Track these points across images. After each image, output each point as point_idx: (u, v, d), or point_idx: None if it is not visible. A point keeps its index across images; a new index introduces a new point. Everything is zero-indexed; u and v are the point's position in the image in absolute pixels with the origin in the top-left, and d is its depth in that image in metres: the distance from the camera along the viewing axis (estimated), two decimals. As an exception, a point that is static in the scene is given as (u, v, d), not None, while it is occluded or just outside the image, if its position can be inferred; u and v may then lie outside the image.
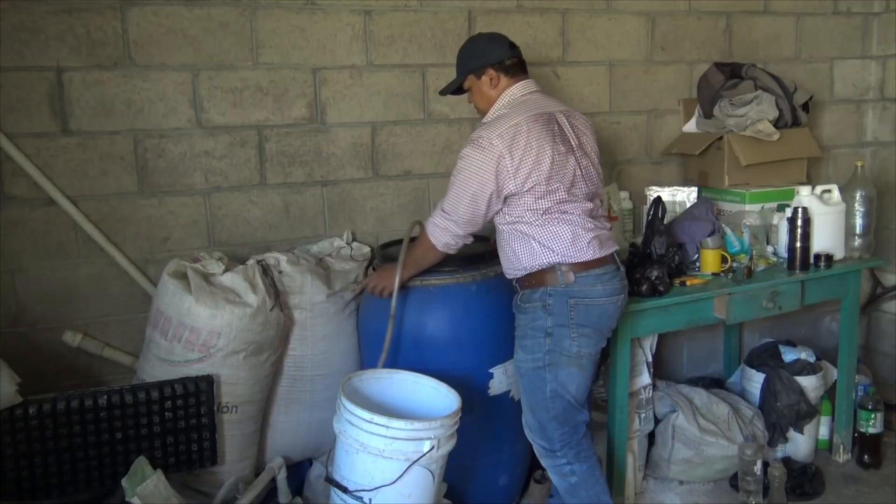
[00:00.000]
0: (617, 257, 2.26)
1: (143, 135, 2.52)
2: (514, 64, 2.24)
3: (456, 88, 2.33)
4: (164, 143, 2.55)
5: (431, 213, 2.25)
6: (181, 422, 2.24)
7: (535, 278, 2.17)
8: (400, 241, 2.72)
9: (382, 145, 2.82)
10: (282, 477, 2.47)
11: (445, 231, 2.20)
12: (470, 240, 2.25)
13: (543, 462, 2.31)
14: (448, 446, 2.03)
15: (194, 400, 2.24)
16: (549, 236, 2.14)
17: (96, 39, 2.42)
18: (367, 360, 2.58)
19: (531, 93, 2.23)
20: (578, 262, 2.14)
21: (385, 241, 2.78)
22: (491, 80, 2.22)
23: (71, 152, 2.45)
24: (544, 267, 2.15)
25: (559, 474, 2.28)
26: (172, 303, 2.27)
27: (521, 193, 2.11)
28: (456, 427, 2.06)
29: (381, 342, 2.49)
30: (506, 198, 2.13)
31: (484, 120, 2.24)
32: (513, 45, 2.26)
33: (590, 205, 2.21)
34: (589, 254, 2.15)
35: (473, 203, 2.12)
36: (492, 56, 2.22)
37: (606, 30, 3.09)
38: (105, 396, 2.15)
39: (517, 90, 2.22)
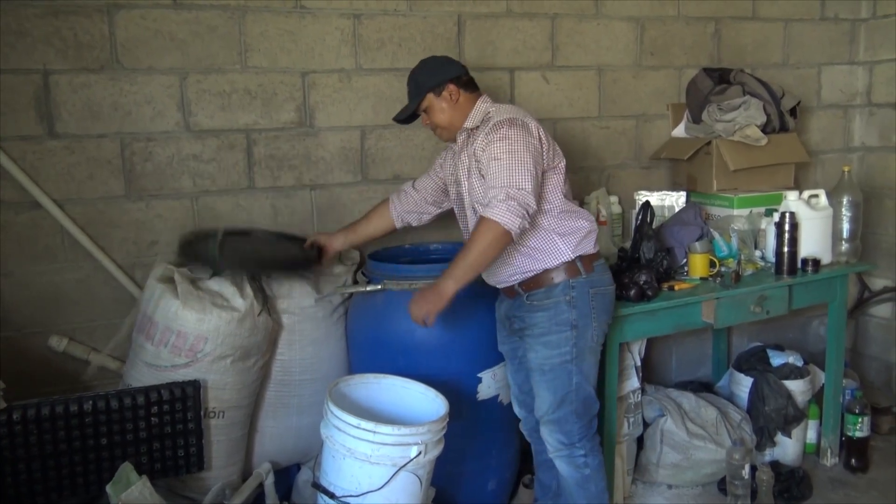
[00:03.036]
0: None
1: (130, 138, 2.50)
2: (470, 80, 2.28)
3: (411, 114, 2.30)
4: (152, 147, 2.53)
5: (485, 205, 2.03)
6: (167, 427, 2.22)
7: (553, 274, 2.19)
8: (391, 248, 2.72)
9: (371, 149, 2.81)
10: (269, 482, 2.46)
11: (520, 212, 1.99)
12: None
13: (557, 454, 2.27)
14: (436, 451, 2.03)
15: (181, 405, 2.22)
16: (571, 230, 2.20)
17: (83, 42, 2.41)
18: (355, 364, 2.57)
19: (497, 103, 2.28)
20: (593, 254, 2.24)
21: (374, 247, 2.78)
22: (451, 95, 2.22)
23: (57, 156, 2.43)
24: (567, 260, 2.19)
25: (573, 465, 2.27)
26: (159, 307, 2.25)
27: (549, 172, 2.16)
28: (443, 432, 2.06)
29: (370, 347, 2.49)
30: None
31: (473, 123, 2.22)
32: (462, 64, 2.31)
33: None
34: (598, 246, 2.28)
35: (535, 173, 2.06)
36: (450, 71, 2.24)
37: (595, 35, 3.10)
38: (91, 402, 2.13)
39: (488, 101, 2.26)
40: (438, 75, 2.23)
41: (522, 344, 2.29)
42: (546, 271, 2.19)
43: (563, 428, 2.25)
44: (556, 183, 2.18)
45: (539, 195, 2.09)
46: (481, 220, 2.02)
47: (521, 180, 2.03)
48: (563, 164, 2.20)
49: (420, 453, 1.96)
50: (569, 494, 2.31)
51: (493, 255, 2.05)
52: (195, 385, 2.24)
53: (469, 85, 2.26)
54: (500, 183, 2.03)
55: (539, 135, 2.14)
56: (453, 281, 2.03)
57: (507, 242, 2.04)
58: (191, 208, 2.61)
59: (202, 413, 2.27)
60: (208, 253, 2.30)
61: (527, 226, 2.04)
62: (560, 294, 2.18)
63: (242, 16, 2.57)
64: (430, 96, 2.24)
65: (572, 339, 2.19)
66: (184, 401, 2.22)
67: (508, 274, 2.25)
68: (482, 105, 2.24)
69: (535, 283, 2.21)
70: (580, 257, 2.20)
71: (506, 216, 1.99)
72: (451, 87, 2.22)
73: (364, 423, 1.94)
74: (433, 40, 2.82)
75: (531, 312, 2.22)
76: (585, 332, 2.20)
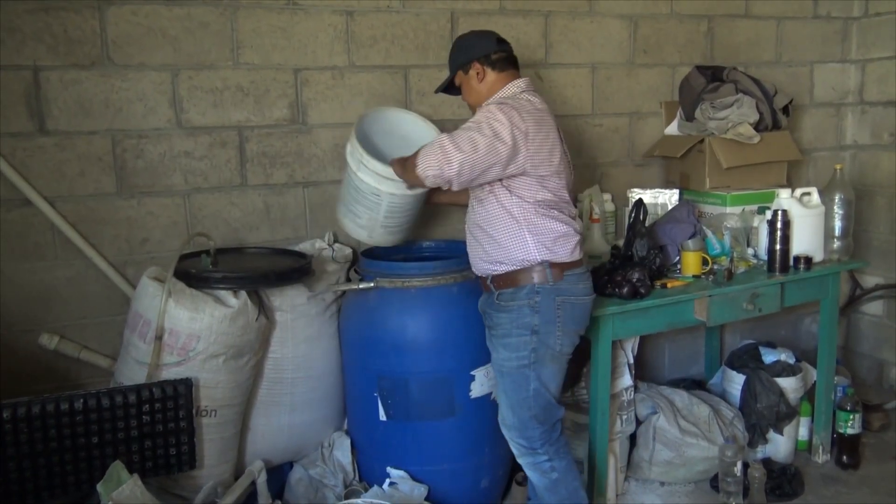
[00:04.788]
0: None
1: (121, 135, 2.49)
2: (502, 59, 2.24)
3: (449, 87, 2.35)
4: (144, 144, 2.52)
5: (427, 147, 2.10)
6: (159, 425, 2.21)
7: (521, 276, 2.15)
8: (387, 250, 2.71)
9: (364, 147, 2.80)
10: (262, 480, 2.45)
11: (448, 162, 2.03)
12: (448, 187, 2.12)
13: (522, 460, 2.29)
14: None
15: (173, 403, 2.21)
16: (544, 231, 2.14)
17: (74, 38, 2.39)
18: (347, 362, 2.57)
19: (533, 91, 2.23)
20: (566, 262, 2.17)
21: (368, 245, 2.77)
22: (477, 73, 2.23)
23: (48, 152, 2.41)
24: (533, 263, 2.14)
25: (539, 471, 2.26)
26: (152, 305, 2.24)
27: (530, 174, 2.10)
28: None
29: (362, 344, 2.48)
30: (512, 176, 2.11)
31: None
32: (501, 41, 2.27)
33: (574, 209, 2.26)
34: (576, 254, 2.19)
35: (488, 150, 2.03)
36: (477, 50, 2.24)
37: (589, 32, 3.10)
38: (81, 400, 2.11)
39: (520, 85, 2.22)
40: (467, 53, 2.25)
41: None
42: (516, 271, 2.16)
43: (523, 433, 2.23)
44: (531, 186, 2.12)
45: (476, 173, 2.06)
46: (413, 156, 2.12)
47: (471, 144, 2.04)
48: (552, 178, 2.14)
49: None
50: (540, 499, 2.30)
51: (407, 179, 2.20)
52: (187, 383, 2.23)
53: (499, 63, 2.23)
54: (450, 136, 2.07)
55: (529, 135, 2.07)
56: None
57: (417, 178, 2.10)
58: (183, 206, 2.60)
59: (194, 411, 2.26)
60: (202, 267, 2.35)
61: (435, 183, 2.10)
62: (524, 297, 2.15)
63: (234, 12, 2.56)
64: (460, 73, 2.28)
65: (532, 344, 2.15)
66: (175, 399, 2.21)
67: (479, 257, 2.24)
68: (510, 90, 2.21)
69: (504, 281, 2.18)
70: (551, 264, 2.14)
71: (427, 160, 2.07)
72: (477, 65, 2.23)
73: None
74: (426, 37, 2.82)
75: (497, 312, 2.21)
76: (547, 339, 2.16)
